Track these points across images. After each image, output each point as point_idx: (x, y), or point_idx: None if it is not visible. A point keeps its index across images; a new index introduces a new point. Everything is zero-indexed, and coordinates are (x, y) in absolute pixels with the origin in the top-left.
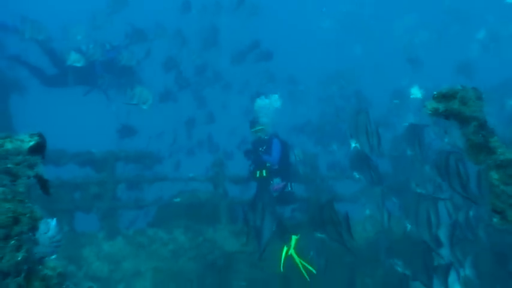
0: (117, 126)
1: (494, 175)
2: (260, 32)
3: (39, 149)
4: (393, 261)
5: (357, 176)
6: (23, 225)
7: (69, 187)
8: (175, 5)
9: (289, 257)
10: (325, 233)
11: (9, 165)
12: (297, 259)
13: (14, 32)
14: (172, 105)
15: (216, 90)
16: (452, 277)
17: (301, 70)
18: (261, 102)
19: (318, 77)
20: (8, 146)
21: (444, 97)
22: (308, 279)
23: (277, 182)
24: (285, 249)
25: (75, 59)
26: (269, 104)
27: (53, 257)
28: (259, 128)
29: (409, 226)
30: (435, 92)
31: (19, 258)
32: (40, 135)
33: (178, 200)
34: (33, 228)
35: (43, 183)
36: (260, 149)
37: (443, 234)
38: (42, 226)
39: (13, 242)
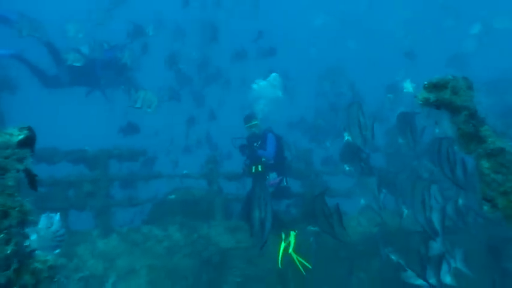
0: (120, 124)
1: (485, 164)
2: (256, 28)
3: (28, 142)
4: (389, 250)
5: (347, 168)
6: (12, 219)
7: (63, 185)
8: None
9: (285, 253)
10: (318, 226)
11: None
12: (295, 256)
13: (13, 26)
14: (171, 103)
15: (216, 87)
16: (444, 268)
17: (295, 65)
18: (259, 86)
19: (311, 72)
20: None
21: (435, 87)
22: (304, 274)
23: (273, 177)
24: (283, 245)
25: (74, 59)
26: (267, 86)
27: (57, 251)
28: (254, 123)
29: (405, 211)
30: (426, 82)
31: (8, 252)
32: (30, 129)
33: (173, 197)
34: (23, 222)
35: (31, 178)
36: (255, 144)
37: (435, 220)
38: (45, 220)
39: (2, 235)
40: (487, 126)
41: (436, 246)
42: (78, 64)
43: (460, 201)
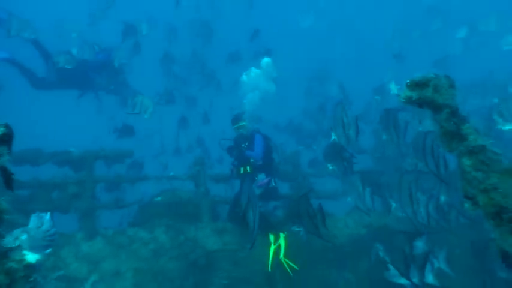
0: (114, 126)
1: (466, 161)
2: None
3: (5, 139)
4: (376, 246)
5: (330, 168)
6: None
7: (47, 187)
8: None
9: (275, 256)
10: (302, 226)
11: None
12: (283, 259)
13: (3, 25)
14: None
15: (209, 90)
16: (428, 268)
17: (283, 67)
18: (249, 77)
19: (299, 74)
20: None
21: (417, 85)
22: (292, 276)
23: (261, 178)
24: (273, 248)
25: (66, 61)
26: (260, 74)
27: (48, 250)
28: (242, 124)
29: (393, 204)
30: (408, 81)
31: None
32: (7, 126)
33: (159, 199)
34: None
35: (7, 177)
36: (243, 145)
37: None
38: (35, 220)
39: None
40: (469, 124)
41: (420, 245)
42: (69, 66)
43: (442, 199)
